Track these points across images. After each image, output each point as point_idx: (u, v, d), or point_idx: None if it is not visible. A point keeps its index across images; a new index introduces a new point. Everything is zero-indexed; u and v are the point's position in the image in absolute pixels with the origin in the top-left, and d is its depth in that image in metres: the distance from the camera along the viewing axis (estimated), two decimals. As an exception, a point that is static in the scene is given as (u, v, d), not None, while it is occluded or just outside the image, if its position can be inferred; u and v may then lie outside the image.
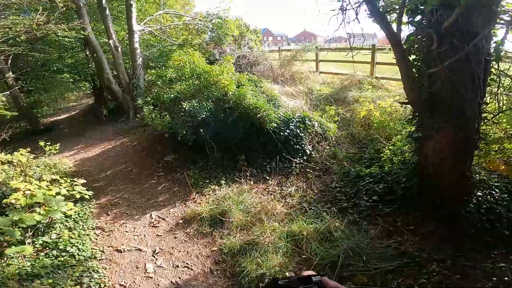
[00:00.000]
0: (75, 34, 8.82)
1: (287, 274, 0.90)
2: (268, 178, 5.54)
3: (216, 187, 5.45)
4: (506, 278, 2.86)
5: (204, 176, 5.81)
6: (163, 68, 7.15)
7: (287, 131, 5.79)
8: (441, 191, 3.70)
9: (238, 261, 3.70)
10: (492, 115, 3.56)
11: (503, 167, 3.42)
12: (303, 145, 5.86)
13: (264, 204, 4.72)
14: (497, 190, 3.78)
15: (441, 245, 3.42)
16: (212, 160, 5.98)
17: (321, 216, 4.31)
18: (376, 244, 3.62)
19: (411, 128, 4.49)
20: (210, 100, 6.04)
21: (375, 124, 6.02)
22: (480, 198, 3.65)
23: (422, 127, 3.74)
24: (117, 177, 6.55)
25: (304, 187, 5.24)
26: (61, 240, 4.18)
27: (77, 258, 3.90)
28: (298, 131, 5.88)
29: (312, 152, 5.95)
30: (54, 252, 3.94)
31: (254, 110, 5.54)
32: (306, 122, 6.10)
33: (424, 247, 3.46)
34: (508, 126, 4.02)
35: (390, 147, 4.98)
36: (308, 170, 5.66)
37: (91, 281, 3.55)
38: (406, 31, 3.63)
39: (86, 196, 4.87)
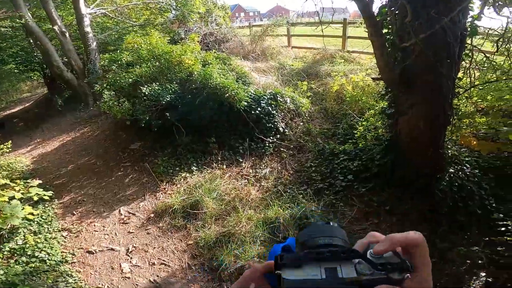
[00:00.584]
0: (9, 23, 7.82)
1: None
2: (241, 160, 5.31)
3: (187, 175, 5.17)
4: (480, 261, 2.88)
5: (174, 163, 5.49)
6: (118, 51, 6.45)
7: (259, 109, 5.52)
8: (415, 167, 3.66)
9: (215, 254, 3.56)
10: (463, 90, 3.52)
11: (474, 142, 3.42)
12: (275, 123, 5.63)
13: (238, 190, 4.54)
14: (468, 166, 3.76)
15: (417, 226, 3.40)
16: (181, 145, 5.65)
17: (297, 199, 4.21)
18: (354, 226, 3.59)
19: (384, 104, 4.41)
20: (174, 82, 5.62)
21: (347, 99, 5.88)
22: (452, 175, 3.62)
23: (396, 103, 3.64)
24: (80, 172, 6.08)
25: (279, 168, 5.08)
26: (28, 245, 3.95)
27: (48, 263, 3.71)
28: (270, 109, 5.64)
29: (286, 130, 5.73)
30: (24, 258, 3.74)
31: (222, 89, 5.20)
32: (278, 98, 5.84)
33: (400, 228, 3.43)
34: (479, 100, 4.04)
35: (363, 123, 4.87)
36: (282, 149, 5.47)
37: (67, 286, 3.41)
38: (378, 2, 3.43)
39: (45, 197, 4.47)
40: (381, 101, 4.73)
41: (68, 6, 10.27)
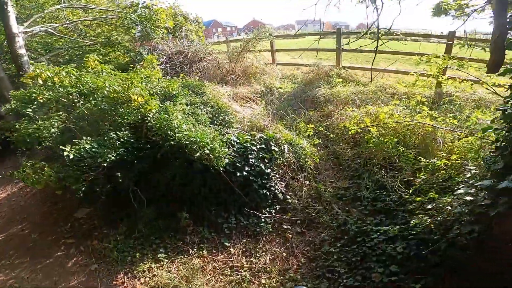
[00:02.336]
0: None
1: None
2: (227, 244, 3.71)
3: (153, 265, 3.64)
4: None
5: (133, 246, 3.91)
6: (30, 88, 4.25)
7: (246, 168, 3.92)
8: (506, 260, 2.36)
9: None
10: None
11: None
12: (272, 188, 4.00)
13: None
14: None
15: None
16: (142, 219, 4.01)
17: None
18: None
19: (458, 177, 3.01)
20: (123, 129, 3.89)
21: (371, 145, 4.19)
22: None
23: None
24: (11, 245, 4.59)
25: (284, 254, 3.51)
26: None
27: None
28: (263, 166, 4.01)
29: (287, 196, 4.10)
30: None
31: (189, 145, 3.54)
32: (273, 147, 4.24)
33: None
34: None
35: (417, 199, 3.16)
36: (284, 225, 3.87)
37: None
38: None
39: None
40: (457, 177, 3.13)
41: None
